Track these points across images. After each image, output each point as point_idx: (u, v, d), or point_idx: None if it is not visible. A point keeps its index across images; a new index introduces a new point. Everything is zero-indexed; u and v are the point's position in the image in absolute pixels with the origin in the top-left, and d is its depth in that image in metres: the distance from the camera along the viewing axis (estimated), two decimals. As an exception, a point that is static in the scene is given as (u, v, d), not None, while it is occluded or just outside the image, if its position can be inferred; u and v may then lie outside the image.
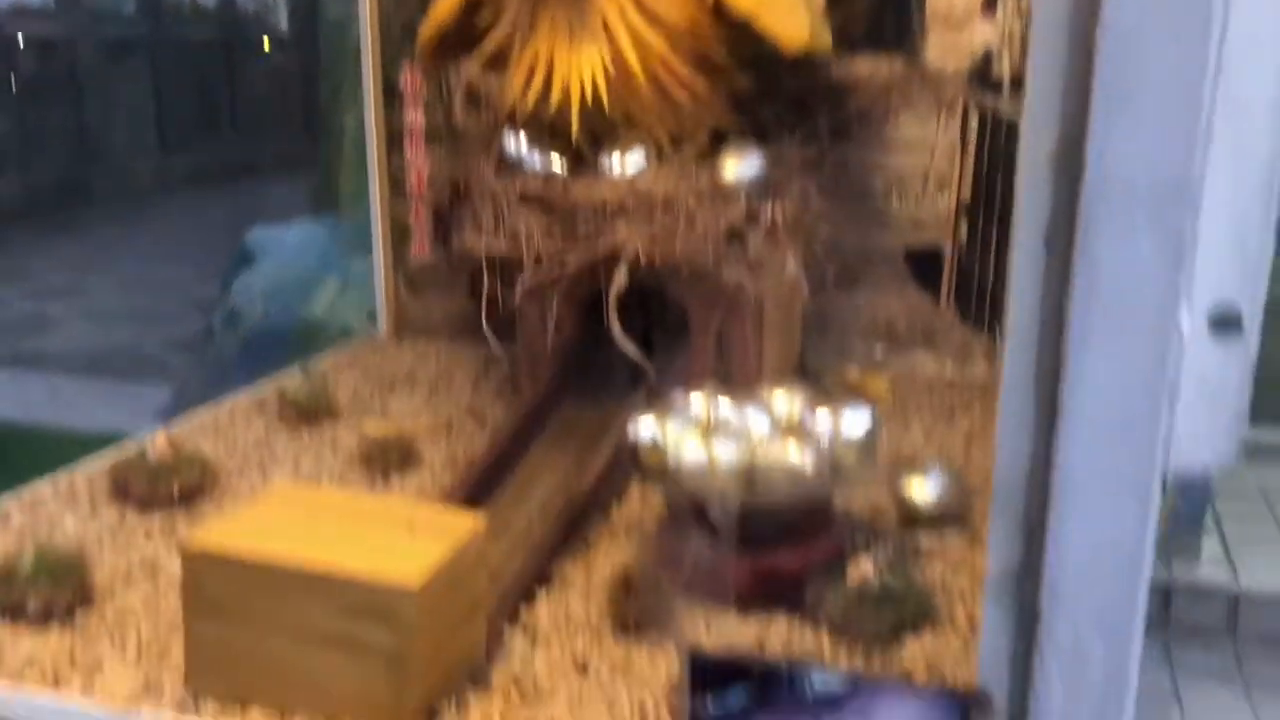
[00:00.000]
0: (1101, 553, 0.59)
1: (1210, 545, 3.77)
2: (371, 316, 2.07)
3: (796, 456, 1.03)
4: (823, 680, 0.70)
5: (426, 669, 0.88)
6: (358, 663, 0.86)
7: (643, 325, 1.53)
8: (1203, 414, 0.58)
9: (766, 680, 0.71)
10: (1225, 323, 0.58)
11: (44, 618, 1.03)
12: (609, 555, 1.19)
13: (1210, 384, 0.58)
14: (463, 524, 0.95)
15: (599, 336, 1.50)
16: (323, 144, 5.37)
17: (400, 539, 0.91)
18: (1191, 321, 0.58)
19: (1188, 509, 3.71)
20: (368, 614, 0.85)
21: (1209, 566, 3.63)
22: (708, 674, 0.72)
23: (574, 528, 1.22)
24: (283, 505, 0.98)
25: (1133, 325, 0.55)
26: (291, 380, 1.63)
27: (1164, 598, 3.51)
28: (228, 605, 0.89)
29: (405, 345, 1.93)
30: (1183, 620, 3.52)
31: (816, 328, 1.78)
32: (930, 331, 1.79)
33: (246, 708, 0.90)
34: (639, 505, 1.31)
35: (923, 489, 1.21)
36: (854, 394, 1.50)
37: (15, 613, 1.03)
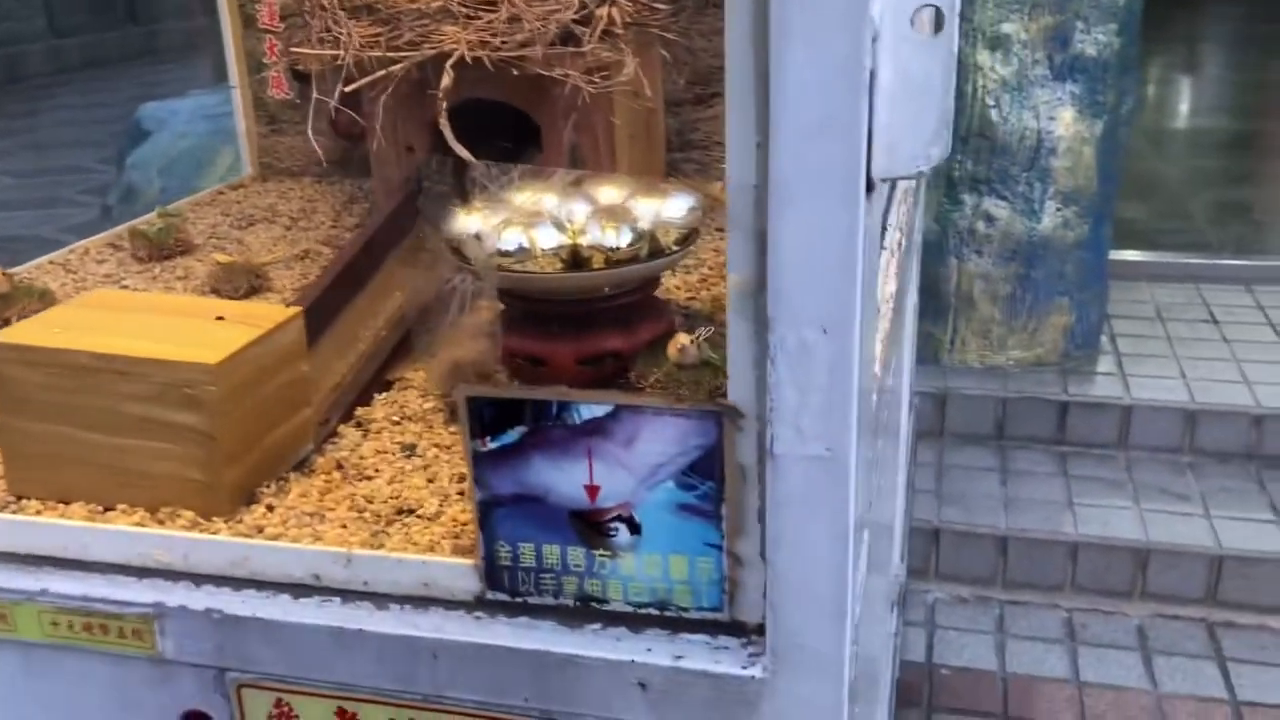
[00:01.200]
0: (815, 254, 0.62)
1: (1106, 363, 3.90)
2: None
3: (613, 236, 1.05)
4: (589, 410, 0.73)
5: (239, 450, 0.90)
6: (169, 447, 0.88)
7: (508, 146, 1.52)
8: (909, 115, 0.60)
9: (538, 416, 0.74)
10: (927, 21, 0.59)
11: None
12: (451, 357, 1.20)
13: (915, 84, 0.60)
14: (276, 314, 0.96)
15: (458, 156, 1.49)
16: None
17: (210, 328, 0.92)
18: (894, 23, 0.59)
19: (1083, 330, 3.83)
20: (173, 396, 0.87)
21: (1103, 383, 3.76)
22: (485, 416, 0.75)
23: (418, 335, 1.23)
24: (97, 306, 0.99)
25: (826, 18, 0.57)
26: (146, 220, 1.61)
27: (1060, 414, 3.65)
28: (37, 400, 0.90)
29: (269, 186, 1.91)
30: (1077, 434, 3.66)
31: (679, 145, 1.78)
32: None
33: (69, 504, 0.91)
34: (488, 312, 1.32)
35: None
36: (719, 207, 1.52)
37: None
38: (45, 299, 1.30)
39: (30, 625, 0.84)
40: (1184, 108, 7.77)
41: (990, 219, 3.67)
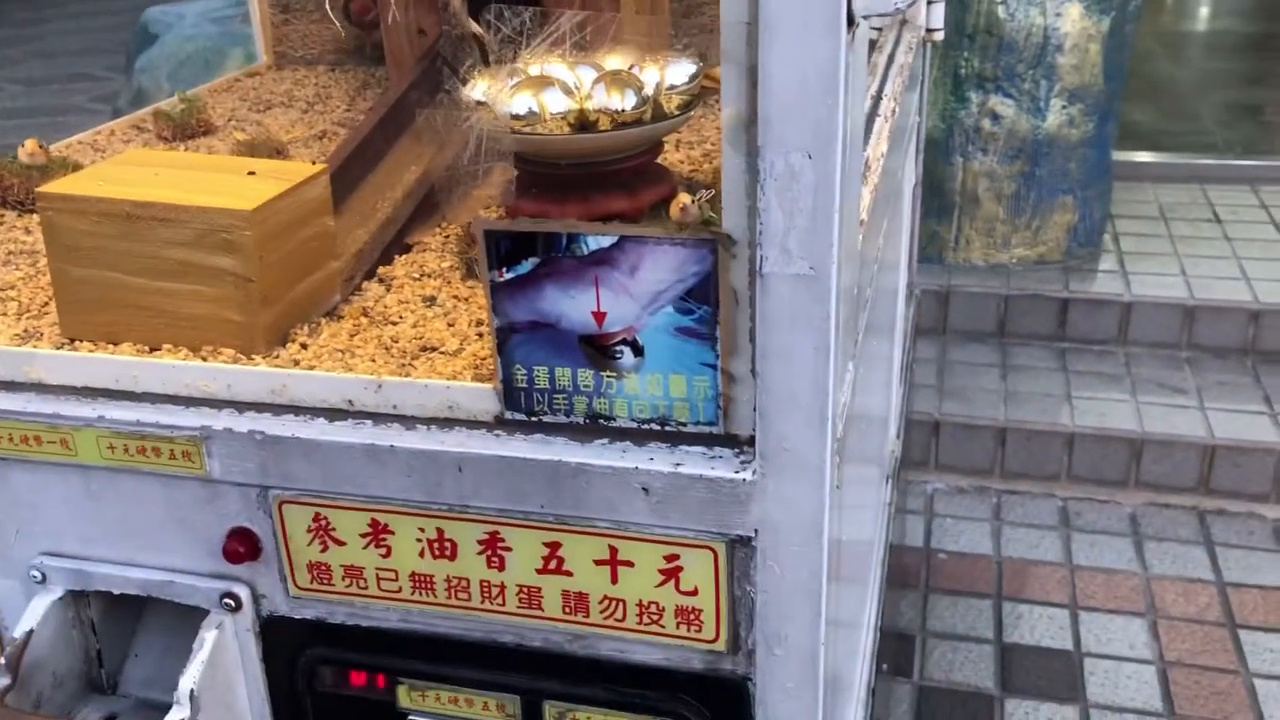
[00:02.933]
0: (802, 85, 0.68)
1: (1108, 261, 3.95)
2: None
3: (619, 100, 1.10)
4: (596, 241, 0.79)
5: (274, 294, 0.97)
6: (209, 290, 0.95)
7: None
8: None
9: (550, 247, 0.81)
10: None
11: (-71, 291, 1.11)
12: (464, 223, 1.27)
13: (894, -78, 0.65)
14: (304, 170, 1.03)
15: (471, 32, 1.53)
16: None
17: (243, 181, 0.99)
18: None
19: (1085, 229, 3.87)
20: (211, 242, 0.94)
21: (1104, 280, 3.82)
22: (501, 249, 0.82)
23: (432, 203, 1.30)
24: (137, 162, 1.05)
25: None
26: (169, 102, 1.66)
27: (1061, 310, 3.71)
28: (85, 247, 0.97)
29: (284, 74, 1.96)
30: (1078, 330, 3.73)
31: (682, 11, 1.80)
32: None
33: (118, 345, 0.99)
34: (501, 174, 1.39)
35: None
36: (714, 84, 1.57)
37: (-99, 288, 1.11)
38: (78, 171, 1.36)
39: (90, 449, 0.92)
40: (1201, 10, 7.66)
41: (996, 116, 3.69)
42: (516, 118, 1.11)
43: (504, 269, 0.82)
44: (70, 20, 8.73)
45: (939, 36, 1.59)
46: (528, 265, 0.81)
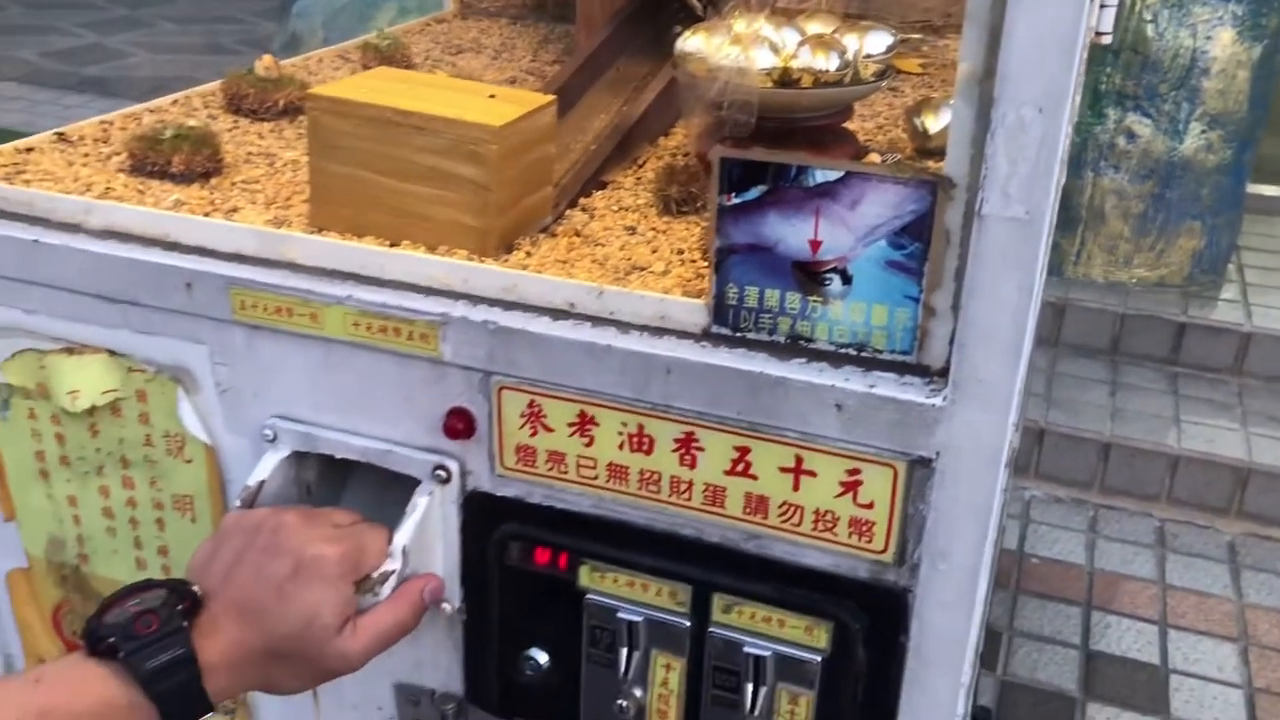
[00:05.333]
0: (1042, 44, 0.76)
1: (1230, 290, 3.91)
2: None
3: (823, 60, 1.19)
4: (824, 174, 0.88)
5: (506, 205, 1.08)
6: (452, 195, 1.06)
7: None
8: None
9: (779, 177, 0.90)
10: None
11: (185, 178, 1.24)
12: (655, 168, 1.37)
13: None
14: (537, 98, 1.13)
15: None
16: None
17: (486, 102, 1.10)
18: None
19: (1210, 255, 3.84)
20: (459, 151, 1.05)
21: (1224, 308, 3.79)
22: (733, 175, 0.91)
23: (624, 147, 1.40)
24: (388, 78, 1.17)
25: None
26: (376, 34, 1.79)
27: (1178, 333, 3.70)
28: (343, 147, 1.08)
29: (469, 23, 2.08)
30: (1192, 356, 3.71)
31: (855, 13, 1.89)
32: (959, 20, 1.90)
33: (362, 237, 1.11)
34: (682, 138, 1.48)
35: (935, 120, 1.37)
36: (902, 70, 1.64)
37: (161, 172, 1.24)
38: (304, 88, 1.49)
39: (336, 324, 1.04)
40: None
41: (1132, 135, 3.68)
42: (747, 73, 1.20)
43: (732, 194, 0.91)
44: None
45: (1106, 40, 1.64)
46: (755, 192, 0.90)
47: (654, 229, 1.18)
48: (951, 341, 0.87)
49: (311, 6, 4.64)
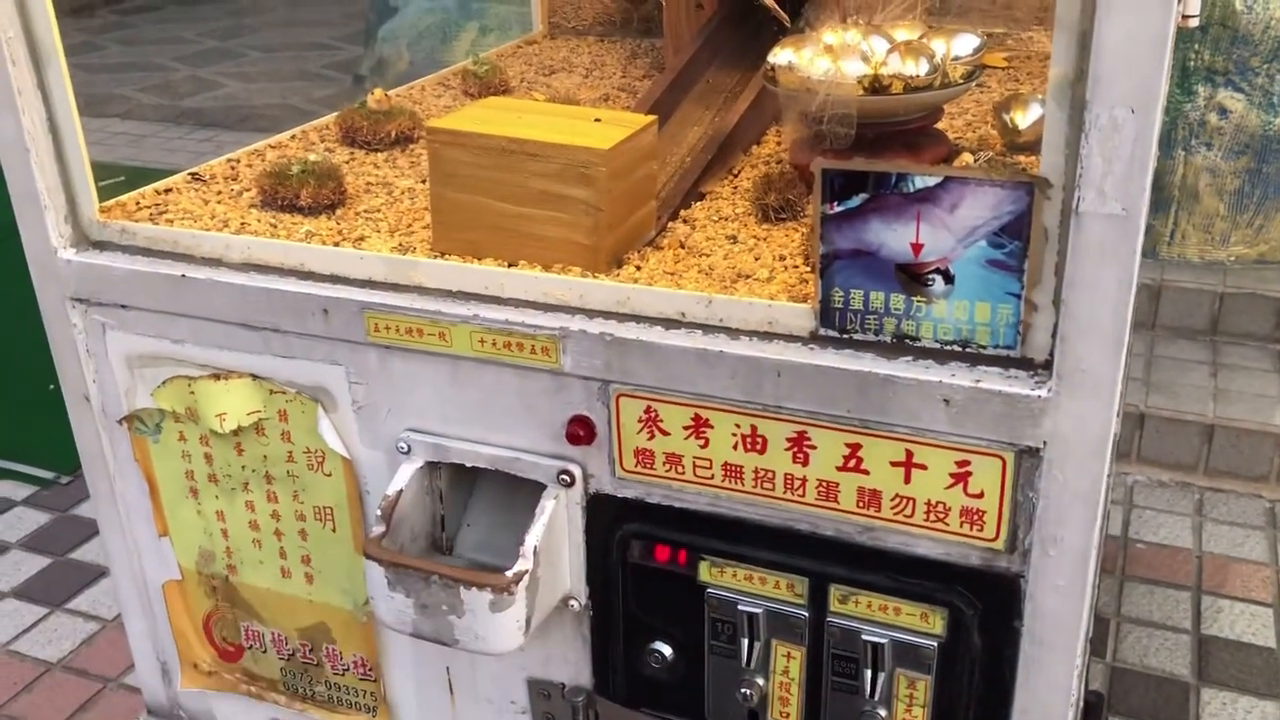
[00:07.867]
0: (1134, 47, 0.79)
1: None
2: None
3: (913, 66, 1.23)
4: (922, 180, 0.93)
5: (614, 223, 1.14)
6: (564, 216, 1.13)
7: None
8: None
9: (879, 185, 0.94)
10: None
11: (313, 210, 1.33)
12: (750, 177, 1.42)
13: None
14: (638, 120, 1.19)
15: (744, 11, 1.68)
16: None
17: (591, 126, 1.16)
18: None
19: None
20: (571, 175, 1.11)
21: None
22: (835, 185, 0.96)
23: (720, 158, 1.45)
24: (497, 107, 1.24)
25: None
26: (473, 61, 1.87)
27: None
28: (461, 175, 1.16)
29: (558, 43, 2.15)
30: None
31: (939, 11, 1.91)
32: (1046, 12, 1.92)
33: (482, 260, 1.18)
34: (774, 145, 1.53)
35: (1024, 116, 1.40)
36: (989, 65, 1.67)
37: (291, 205, 1.33)
38: (413, 118, 1.58)
39: (463, 342, 1.11)
40: None
41: (1224, 111, 3.62)
42: (844, 85, 1.24)
43: (835, 203, 0.96)
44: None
45: (1194, 23, 1.65)
46: (857, 200, 0.95)
47: (755, 237, 1.23)
48: (1054, 335, 0.91)
49: (397, 30, 4.78)
